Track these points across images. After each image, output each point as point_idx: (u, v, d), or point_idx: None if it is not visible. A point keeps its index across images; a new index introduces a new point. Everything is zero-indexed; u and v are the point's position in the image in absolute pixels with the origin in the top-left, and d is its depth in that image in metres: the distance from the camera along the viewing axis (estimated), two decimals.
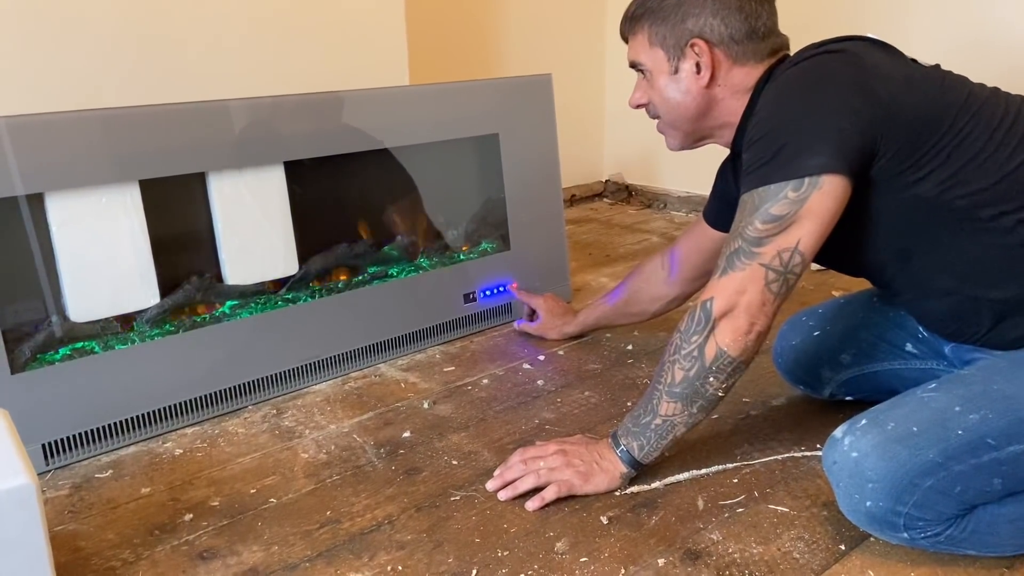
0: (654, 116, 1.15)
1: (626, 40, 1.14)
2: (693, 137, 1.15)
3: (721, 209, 1.27)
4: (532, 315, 1.69)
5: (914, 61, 0.99)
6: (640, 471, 1.10)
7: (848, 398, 1.28)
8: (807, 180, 0.91)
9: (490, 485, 1.12)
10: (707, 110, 1.09)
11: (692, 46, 1.04)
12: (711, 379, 0.98)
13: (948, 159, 0.92)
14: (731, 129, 1.10)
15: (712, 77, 1.05)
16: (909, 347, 1.19)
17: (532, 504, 1.07)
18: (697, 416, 1.02)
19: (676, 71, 1.07)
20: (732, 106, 1.07)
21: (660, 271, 1.44)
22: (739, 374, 0.99)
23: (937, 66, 1.00)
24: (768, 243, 0.93)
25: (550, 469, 1.09)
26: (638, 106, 1.15)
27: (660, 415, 1.03)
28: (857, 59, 0.94)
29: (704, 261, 1.35)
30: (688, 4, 1.04)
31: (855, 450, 0.92)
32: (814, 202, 0.91)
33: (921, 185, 0.93)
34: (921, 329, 1.18)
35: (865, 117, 0.91)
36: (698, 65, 1.05)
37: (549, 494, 1.07)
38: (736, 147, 1.12)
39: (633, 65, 1.13)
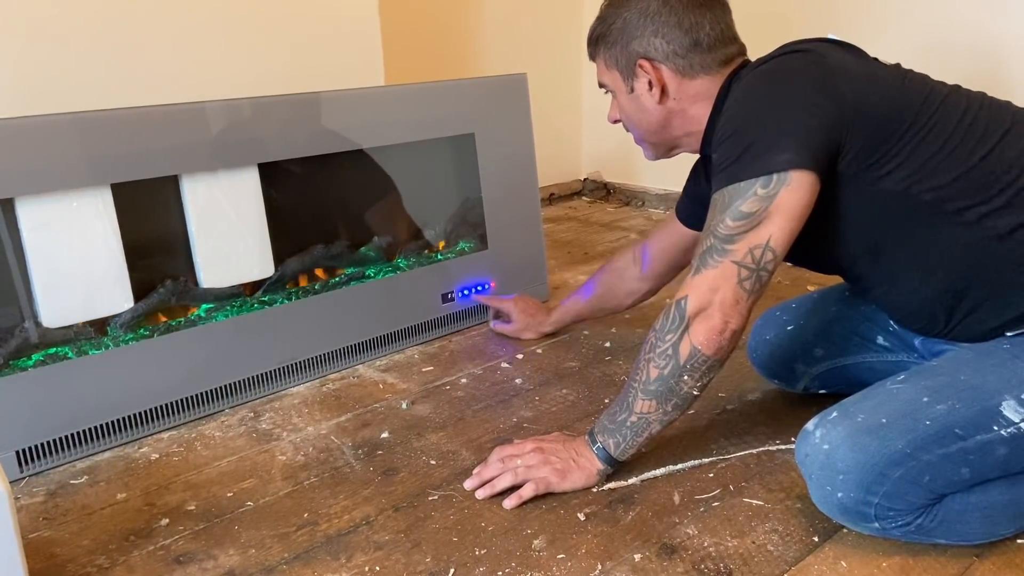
0: (628, 131, 1.20)
1: (594, 61, 1.19)
2: (664, 148, 1.19)
3: (693, 207, 1.28)
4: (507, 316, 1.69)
5: (876, 60, 1.01)
6: (617, 468, 1.11)
7: (822, 391, 1.29)
8: (775, 176, 0.92)
9: (468, 484, 1.12)
10: (668, 122, 1.13)
11: (640, 66, 1.09)
12: (685, 377, 0.99)
13: (912, 153, 0.93)
14: (696, 136, 1.13)
15: (663, 92, 1.09)
16: (880, 340, 1.20)
17: (509, 502, 1.07)
18: (672, 414, 1.03)
19: (632, 90, 1.12)
20: (694, 115, 1.11)
21: (632, 267, 1.46)
22: (714, 373, 1.00)
23: (898, 65, 1.01)
24: (739, 240, 0.94)
25: (527, 467, 1.09)
26: (615, 121, 1.21)
27: (636, 413, 1.04)
28: (820, 58, 0.96)
29: (676, 257, 1.38)
30: (631, 27, 1.08)
31: (826, 442, 0.94)
32: (783, 198, 0.92)
33: (887, 180, 0.94)
34: (892, 323, 1.19)
35: (830, 113, 0.92)
36: (649, 83, 1.09)
37: (526, 492, 1.07)
38: (705, 151, 1.14)
39: (601, 86, 1.19)
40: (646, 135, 1.16)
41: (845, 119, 0.93)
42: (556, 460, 1.10)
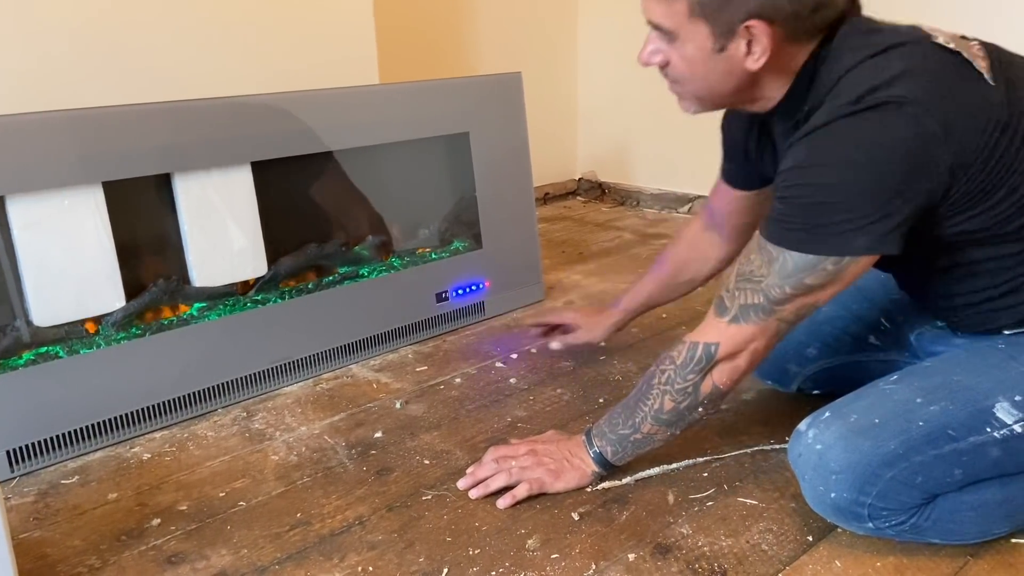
0: (672, 80, 0.99)
1: None
2: (715, 106, 1.02)
3: (739, 170, 1.19)
4: (551, 330, 1.55)
5: (980, 78, 0.87)
6: (611, 472, 1.11)
7: (815, 392, 1.29)
8: (848, 257, 0.88)
9: (462, 483, 1.12)
10: (745, 88, 0.95)
11: (748, 27, 0.88)
12: (700, 409, 1.02)
13: (996, 191, 0.88)
14: (767, 102, 0.98)
15: (764, 56, 0.90)
16: (872, 339, 1.20)
17: (503, 502, 1.07)
18: (676, 434, 1.06)
19: (722, 49, 0.90)
20: (773, 85, 0.95)
21: (705, 234, 1.33)
22: (723, 400, 1.03)
23: (1007, 76, 0.89)
24: (791, 303, 0.92)
25: (521, 468, 1.09)
26: (651, 64, 0.98)
27: (642, 433, 1.05)
28: (924, 113, 0.84)
29: (742, 220, 1.26)
30: None
31: (819, 442, 0.94)
32: (849, 272, 0.89)
33: (968, 223, 0.90)
34: (883, 321, 1.19)
35: (924, 194, 0.86)
36: (749, 45, 0.89)
37: (520, 492, 1.07)
38: (773, 117, 1.02)
39: (655, 26, 0.95)
40: (708, 96, 0.98)
41: (938, 193, 0.87)
42: (550, 461, 1.10)
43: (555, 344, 1.48)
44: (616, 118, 2.86)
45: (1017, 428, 0.89)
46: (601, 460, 1.09)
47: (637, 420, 1.04)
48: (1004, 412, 0.89)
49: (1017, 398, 0.90)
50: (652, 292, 1.41)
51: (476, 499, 1.09)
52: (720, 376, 0.98)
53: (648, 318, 1.73)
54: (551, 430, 1.21)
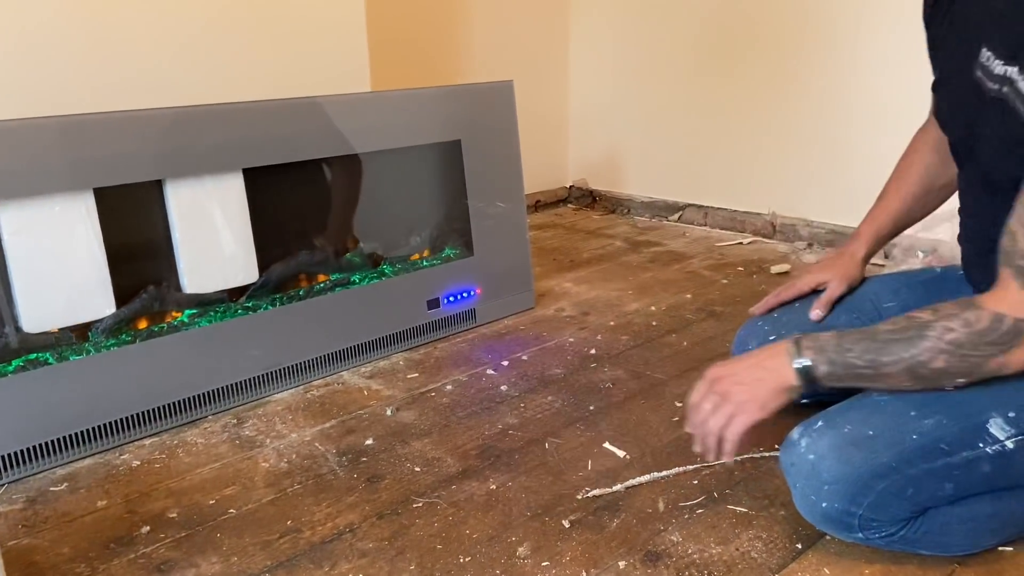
0: None
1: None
2: None
3: (955, 113, 1.07)
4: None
5: None
6: (809, 388, 0.96)
7: (804, 400, 1.29)
8: None
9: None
10: None
11: None
12: (962, 381, 0.91)
13: None
14: None
15: None
16: None
17: (713, 456, 0.98)
18: (912, 390, 0.94)
19: None
20: None
21: (934, 155, 1.22)
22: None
23: None
24: None
25: (714, 418, 0.97)
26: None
27: (880, 374, 0.92)
28: None
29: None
30: None
31: (812, 452, 0.94)
32: None
33: None
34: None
35: None
36: None
37: (726, 450, 0.96)
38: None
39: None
40: None
41: None
42: (738, 388, 0.97)
43: (817, 312, 1.27)
44: (607, 126, 2.88)
45: (1009, 444, 0.89)
46: (807, 374, 0.94)
47: (883, 360, 0.90)
48: (997, 428, 0.89)
49: (1011, 414, 0.89)
50: (899, 211, 1.26)
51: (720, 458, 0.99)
52: (1019, 358, 0.86)
53: (638, 326, 1.74)
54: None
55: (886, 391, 0.95)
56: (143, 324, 1.34)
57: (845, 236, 2.26)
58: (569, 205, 3.01)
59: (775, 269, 2.13)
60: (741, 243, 2.42)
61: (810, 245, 2.34)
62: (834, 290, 1.27)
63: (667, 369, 1.53)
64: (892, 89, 2.11)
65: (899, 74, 2.09)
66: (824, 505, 0.93)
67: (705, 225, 2.62)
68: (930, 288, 1.22)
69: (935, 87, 1.10)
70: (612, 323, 1.77)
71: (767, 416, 0.96)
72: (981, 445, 0.89)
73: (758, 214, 2.49)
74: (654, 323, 1.77)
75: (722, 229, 2.57)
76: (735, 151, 2.52)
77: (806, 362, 0.94)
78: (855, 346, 0.93)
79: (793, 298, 1.31)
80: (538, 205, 2.92)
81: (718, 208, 2.59)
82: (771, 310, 1.31)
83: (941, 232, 1.71)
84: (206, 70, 1.69)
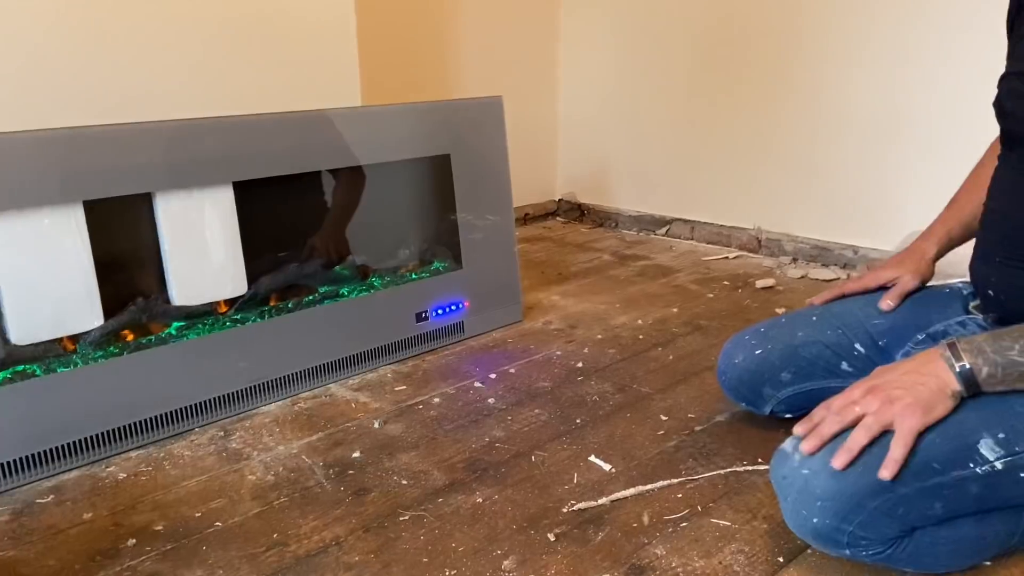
0: None
1: None
2: None
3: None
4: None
5: None
6: (972, 394, 0.94)
7: (788, 415, 1.31)
8: None
9: (798, 429, 0.97)
10: None
11: None
12: None
13: None
14: None
15: None
16: (844, 366, 1.23)
17: (839, 460, 0.91)
18: None
19: None
20: None
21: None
22: None
23: None
24: None
25: (876, 415, 0.92)
26: None
27: None
28: None
29: None
30: None
31: (806, 467, 0.93)
32: None
33: None
34: (858, 347, 1.22)
35: None
36: None
37: (898, 452, 0.90)
38: None
39: None
40: None
41: None
42: (902, 392, 0.93)
43: (888, 303, 1.26)
44: (595, 141, 2.90)
45: (999, 465, 0.90)
46: (969, 379, 0.92)
47: None
48: (987, 449, 0.90)
49: (1000, 435, 0.90)
50: (971, 216, 1.23)
51: (809, 452, 0.94)
52: None
53: (625, 339, 1.76)
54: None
55: None
56: (131, 336, 1.35)
57: (829, 251, 2.29)
58: (557, 218, 3.03)
59: (760, 283, 2.15)
60: (727, 257, 2.44)
61: (795, 260, 2.37)
62: (907, 283, 1.26)
63: (653, 383, 1.54)
64: (876, 108, 2.15)
65: (883, 93, 2.13)
66: (815, 521, 0.92)
67: (692, 239, 2.64)
68: (917, 303, 1.24)
69: (1007, 77, 1.09)
70: (599, 336, 1.78)
71: (931, 423, 0.92)
72: (972, 465, 0.90)
73: (743, 229, 2.51)
74: (641, 337, 1.78)
75: (708, 243, 2.59)
76: (721, 166, 2.55)
77: (966, 365, 0.92)
78: (1015, 343, 0.92)
79: (857, 292, 1.32)
80: (527, 218, 2.94)
81: (704, 222, 2.62)
82: (767, 324, 1.32)
83: None
84: (197, 84, 1.70)
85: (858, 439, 0.91)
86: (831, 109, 2.25)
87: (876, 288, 1.30)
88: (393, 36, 2.39)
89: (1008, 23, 1.13)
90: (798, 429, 0.97)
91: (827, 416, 0.96)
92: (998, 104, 1.09)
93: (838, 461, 0.91)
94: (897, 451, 0.90)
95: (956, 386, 0.92)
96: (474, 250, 1.77)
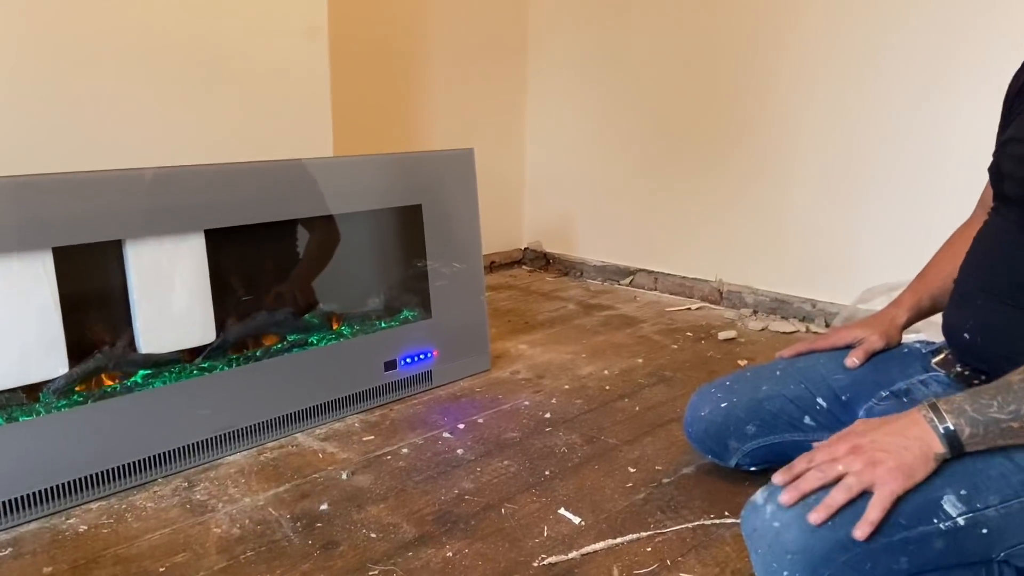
0: None
1: None
2: None
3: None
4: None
5: None
6: (956, 456, 0.94)
7: (753, 468, 1.33)
8: None
9: (776, 479, 0.97)
10: None
11: None
12: None
13: None
14: None
15: None
16: (807, 420, 1.26)
17: (816, 516, 0.91)
18: None
19: None
20: None
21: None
22: None
23: None
24: None
25: (857, 476, 0.92)
26: None
27: None
28: None
29: None
30: None
31: (777, 520, 0.94)
32: None
33: None
34: (820, 401, 1.25)
35: None
36: None
37: (874, 515, 0.90)
38: None
39: None
40: None
41: None
42: (885, 456, 0.92)
43: (854, 360, 1.29)
44: (561, 192, 2.96)
45: (961, 521, 0.91)
46: (953, 440, 0.92)
47: None
48: (950, 505, 0.91)
49: (962, 492, 0.92)
50: (940, 290, 1.27)
51: (787, 505, 0.94)
52: None
53: (592, 390, 1.78)
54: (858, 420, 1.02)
55: None
56: (96, 385, 1.33)
57: (788, 304, 2.35)
58: (523, 267, 3.06)
59: (723, 335, 2.19)
60: (689, 308, 2.49)
61: (755, 312, 2.42)
62: (874, 343, 1.30)
63: (620, 434, 1.56)
64: (833, 165, 2.23)
65: (839, 150, 2.21)
66: (786, 574, 0.93)
67: (655, 290, 2.69)
68: (878, 362, 1.28)
69: (1005, 144, 1.15)
70: (566, 386, 1.80)
71: (910, 488, 0.92)
72: (935, 521, 0.91)
73: (705, 280, 2.57)
74: (607, 387, 1.80)
75: (671, 294, 2.64)
76: (683, 219, 2.61)
77: (949, 426, 0.93)
78: (993, 400, 0.93)
79: (826, 349, 1.35)
80: (493, 266, 2.96)
81: (668, 273, 2.67)
82: (732, 377, 1.35)
83: (878, 305, 1.79)
84: (172, 133, 1.70)
85: (837, 498, 0.92)
86: (788, 165, 2.33)
87: (844, 346, 1.34)
88: (365, 88, 2.43)
89: (1006, 105, 1.18)
90: (777, 478, 0.98)
91: (809, 471, 0.96)
92: (995, 168, 1.16)
93: (815, 517, 0.91)
94: (873, 514, 0.90)
95: (940, 448, 0.93)
96: (443, 299, 1.78)
